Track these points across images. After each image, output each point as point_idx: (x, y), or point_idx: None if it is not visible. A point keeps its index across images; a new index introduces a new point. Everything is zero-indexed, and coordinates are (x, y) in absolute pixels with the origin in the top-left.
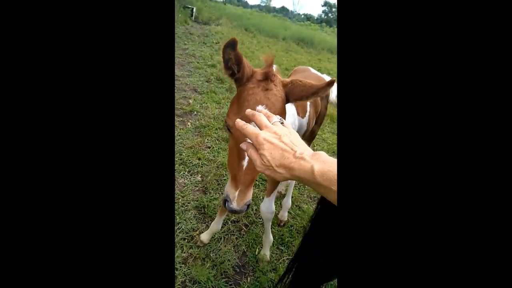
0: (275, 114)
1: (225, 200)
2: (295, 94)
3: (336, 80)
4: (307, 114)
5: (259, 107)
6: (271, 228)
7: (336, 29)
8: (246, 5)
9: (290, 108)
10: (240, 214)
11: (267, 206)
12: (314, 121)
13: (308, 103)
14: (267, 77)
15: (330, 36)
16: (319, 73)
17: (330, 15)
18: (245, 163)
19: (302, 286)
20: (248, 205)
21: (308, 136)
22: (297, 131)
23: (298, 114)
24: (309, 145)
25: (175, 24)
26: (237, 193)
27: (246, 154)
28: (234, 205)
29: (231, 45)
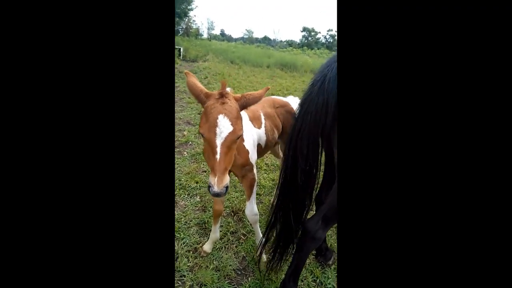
0: (232, 119)
1: (209, 187)
2: (245, 103)
3: (269, 87)
4: (263, 125)
5: (220, 116)
6: (260, 229)
7: (317, 50)
8: (230, 39)
9: (247, 121)
10: (241, 223)
11: (250, 209)
12: (277, 135)
13: (263, 117)
14: (222, 95)
15: (312, 58)
16: (283, 98)
17: (310, 38)
18: (218, 156)
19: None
20: (227, 188)
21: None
22: (257, 139)
23: (254, 126)
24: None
25: None
26: (216, 179)
27: (217, 151)
28: (215, 188)
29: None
